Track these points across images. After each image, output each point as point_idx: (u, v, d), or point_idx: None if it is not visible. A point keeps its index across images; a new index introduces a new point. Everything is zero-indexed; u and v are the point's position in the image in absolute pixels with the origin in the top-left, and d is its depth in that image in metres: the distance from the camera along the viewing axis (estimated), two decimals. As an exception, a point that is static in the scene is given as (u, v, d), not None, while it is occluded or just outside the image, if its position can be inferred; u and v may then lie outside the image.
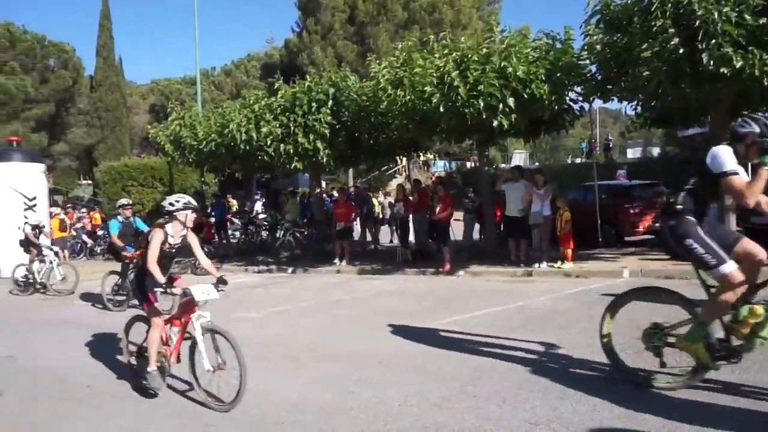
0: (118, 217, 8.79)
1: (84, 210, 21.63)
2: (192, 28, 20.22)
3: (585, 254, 10.35)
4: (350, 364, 5.22)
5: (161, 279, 4.49)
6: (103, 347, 6.26)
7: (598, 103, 10.73)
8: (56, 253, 11.42)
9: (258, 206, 18.54)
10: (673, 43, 7.36)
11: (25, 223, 12.03)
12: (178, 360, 4.63)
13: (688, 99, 8.01)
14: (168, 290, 4.51)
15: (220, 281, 4.50)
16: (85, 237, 18.36)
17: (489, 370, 4.80)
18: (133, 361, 4.98)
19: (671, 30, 7.41)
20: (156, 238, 4.57)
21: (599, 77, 9.20)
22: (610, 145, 28.98)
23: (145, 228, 8.57)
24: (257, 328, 7.08)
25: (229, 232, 16.52)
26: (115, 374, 5.41)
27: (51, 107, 29.30)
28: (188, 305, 4.46)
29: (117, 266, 8.90)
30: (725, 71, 7.09)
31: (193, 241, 4.82)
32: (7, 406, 4.65)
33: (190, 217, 4.65)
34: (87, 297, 9.93)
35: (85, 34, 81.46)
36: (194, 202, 4.77)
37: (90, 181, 34.19)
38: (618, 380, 4.26)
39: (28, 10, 74.85)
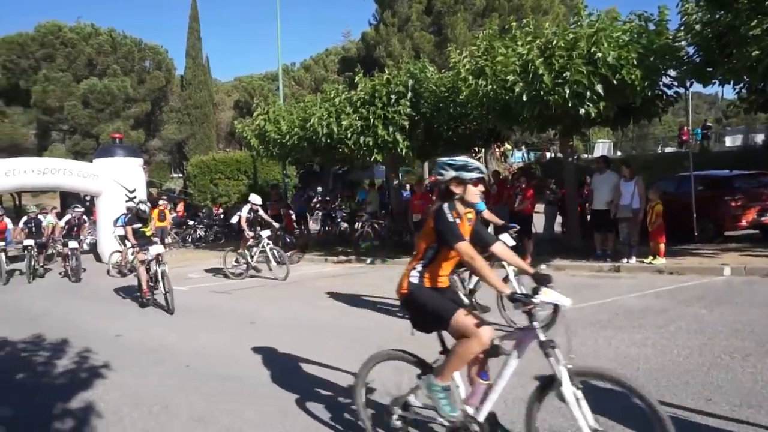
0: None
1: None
2: (272, 26, 20.94)
3: (679, 250, 9.71)
4: (433, 357, 5.23)
5: None
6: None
7: (692, 88, 9.99)
8: (269, 237, 10.89)
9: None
10: (788, 18, 6.72)
11: (246, 202, 11.26)
12: None
13: (805, 80, 7.29)
14: None
15: None
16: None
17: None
18: None
19: (786, 4, 6.76)
20: None
21: (698, 59, 8.58)
22: (709, 133, 26.73)
23: (482, 208, 6.53)
24: (341, 316, 7.28)
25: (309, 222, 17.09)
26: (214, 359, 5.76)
27: (147, 106, 31.39)
28: None
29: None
30: None
31: None
32: (117, 381, 5.09)
33: None
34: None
35: (173, 35, 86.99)
36: None
37: (180, 175, 36.47)
38: (719, 384, 3.99)
39: (126, 15, 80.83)
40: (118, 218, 12.29)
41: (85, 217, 13.64)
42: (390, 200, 14.78)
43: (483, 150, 21.69)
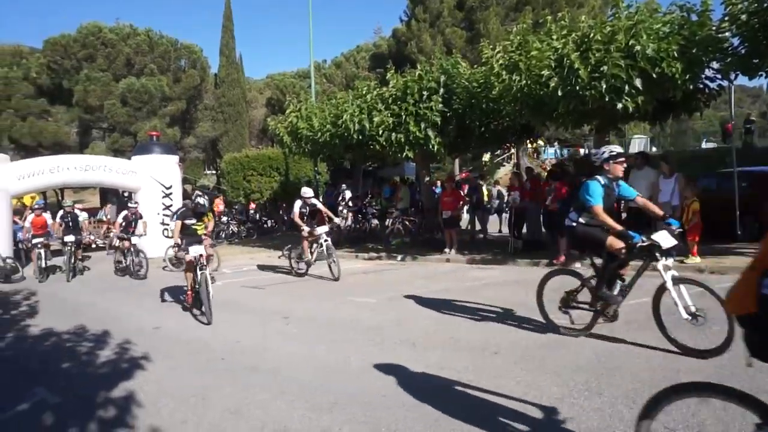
0: (599, 177, 5.31)
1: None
2: (303, 24, 20.98)
3: (721, 249, 9.39)
4: (466, 353, 5.21)
5: None
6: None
7: (735, 81, 9.63)
8: (327, 233, 10.10)
9: (347, 195, 18.88)
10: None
11: (300, 197, 10.33)
12: None
13: None
14: None
15: None
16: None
17: (615, 367, 4.55)
18: None
19: (840, -8, 6.43)
20: None
21: (743, 51, 8.26)
22: (752, 128, 25.70)
23: (632, 195, 5.43)
24: (372, 312, 7.30)
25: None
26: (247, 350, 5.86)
27: (183, 104, 32.04)
28: None
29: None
30: None
31: None
32: (156, 373, 5.23)
33: None
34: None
35: (207, 34, 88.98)
36: None
37: (214, 171, 37.15)
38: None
39: (162, 15, 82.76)
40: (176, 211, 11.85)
41: (141, 212, 12.98)
42: (421, 197, 14.74)
43: (515, 146, 21.45)
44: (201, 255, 7.45)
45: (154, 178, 16.01)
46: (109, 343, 6.32)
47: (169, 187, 16.21)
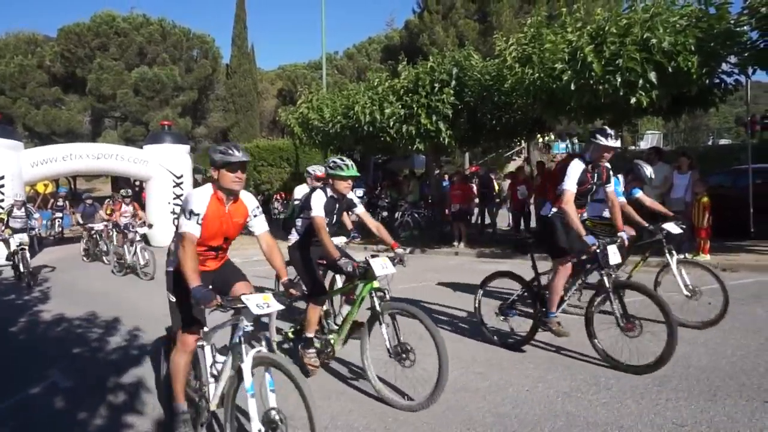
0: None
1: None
2: (315, 15, 20.91)
3: (734, 246, 9.29)
4: (474, 346, 5.22)
5: None
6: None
7: (752, 76, 9.45)
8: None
9: (359, 192, 18.88)
10: None
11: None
12: None
13: None
14: None
15: None
16: None
17: (624, 363, 4.51)
18: None
19: None
20: None
21: (762, 45, 8.10)
22: None
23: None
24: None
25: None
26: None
27: (194, 94, 32.16)
28: None
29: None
30: None
31: None
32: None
33: None
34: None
35: (220, 23, 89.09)
36: None
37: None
38: (782, 387, 3.79)
39: (174, 4, 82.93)
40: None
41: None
42: (431, 190, 14.71)
43: (525, 140, 21.32)
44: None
45: (165, 167, 16.09)
46: (120, 329, 6.39)
47: (180, 177, 16.28)
